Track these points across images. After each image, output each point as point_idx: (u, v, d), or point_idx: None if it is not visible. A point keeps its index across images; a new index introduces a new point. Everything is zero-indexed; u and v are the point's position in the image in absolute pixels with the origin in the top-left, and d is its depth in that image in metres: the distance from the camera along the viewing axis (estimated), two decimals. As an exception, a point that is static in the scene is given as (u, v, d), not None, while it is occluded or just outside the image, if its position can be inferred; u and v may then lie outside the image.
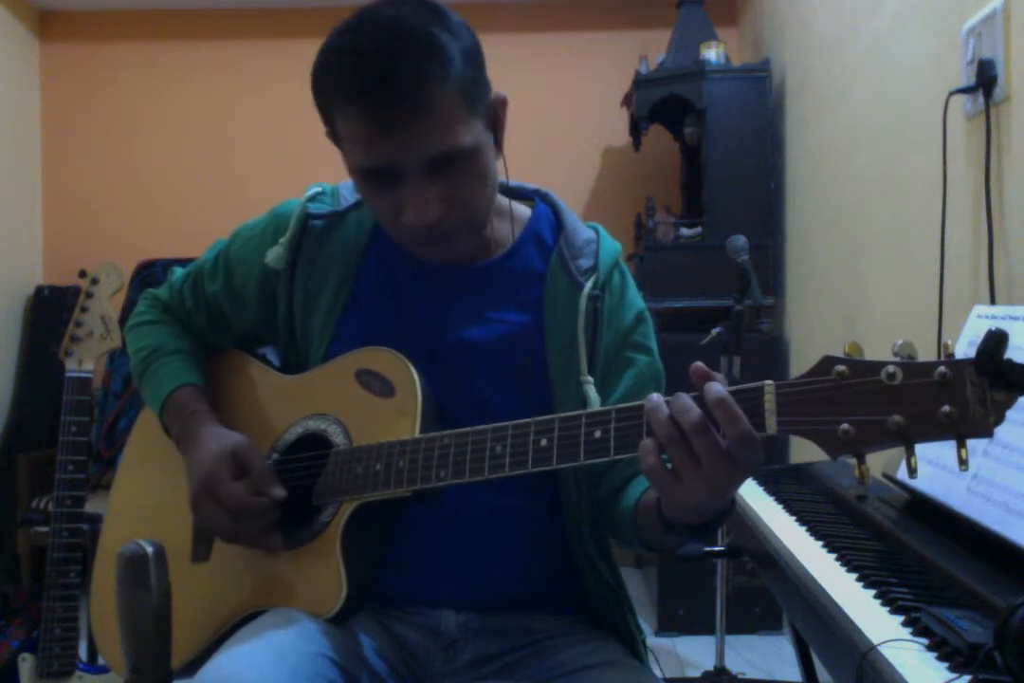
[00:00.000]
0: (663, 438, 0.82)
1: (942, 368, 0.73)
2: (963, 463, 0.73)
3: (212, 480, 1.07)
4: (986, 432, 0.72)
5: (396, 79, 0.95)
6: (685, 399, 0.82)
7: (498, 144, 1.09)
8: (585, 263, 1.14)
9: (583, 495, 1.12)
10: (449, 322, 1.13)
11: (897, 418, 0.74)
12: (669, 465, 0.84)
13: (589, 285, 1.12)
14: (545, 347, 1.11)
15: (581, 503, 1.11)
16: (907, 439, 0.75)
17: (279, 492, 1.06)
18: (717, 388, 0.81)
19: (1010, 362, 0.70)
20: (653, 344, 1.17)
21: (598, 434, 0.89)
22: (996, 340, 0.70)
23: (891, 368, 0.75)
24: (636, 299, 1.18)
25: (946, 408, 0.73)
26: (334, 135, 1.05)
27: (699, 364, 0.84)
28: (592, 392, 1.08)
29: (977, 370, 0.71)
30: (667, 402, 0.83)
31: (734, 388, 0.82)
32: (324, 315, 1.15)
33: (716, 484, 0.82)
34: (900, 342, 0.76)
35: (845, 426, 0.76)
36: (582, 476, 1.11)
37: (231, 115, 3.99)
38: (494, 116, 1.07)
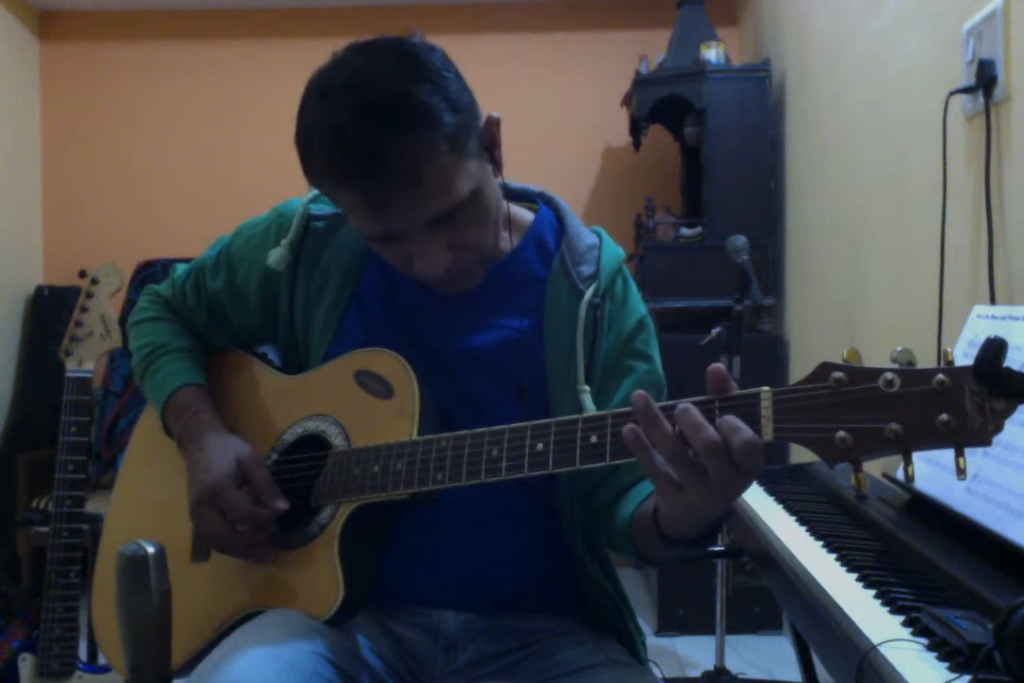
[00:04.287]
0: (668, 455, 0.81)
1: (940, 376, 0.72)
2: (961, 472, 0.72)
3: (216, 488, 1.06)
4: (985, 441, 0.71)
5: (383, 160, 0.93)
6: (695, 416, 0.80)
7: (495, 162, 1.07)
8: (587, 270, 1.13)
9: (575, 504, 1.11)
10: (449, 326, 1.13)
11: (895, 426, 0.74)
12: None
13: (590, 292, 1.11)
14: (544, 353, 1.11)
15: (573, 509, 1.11)
16: (904, 447, 0.74)
17: (281, 505, 1.07)
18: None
19: (1009, 370, 0.69)
20: (654, 351, 1.16)
21: (594, 439, 0.89)
22: (995, 348, 0.69)
23: (889, 375, 0.74)
24: (638, 305, 1.16)
25: (944, 416, 0.72)
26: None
27: (718, 366, 0.82)
28: (588, 401, 1.07)
29: (976, 378, 0.71)
30: (669, 416, 0.81)
31: (731, 394, 0.81)
32: (325, 316, 1.15)
33: (723, 493, 0.81)
34: (899, 349, 0.75)
35: (842, 434, 0.76)
36: (576, 486, 1.11)
37: (231, 115, 3.98)
38: (488, 139, 1.05)
